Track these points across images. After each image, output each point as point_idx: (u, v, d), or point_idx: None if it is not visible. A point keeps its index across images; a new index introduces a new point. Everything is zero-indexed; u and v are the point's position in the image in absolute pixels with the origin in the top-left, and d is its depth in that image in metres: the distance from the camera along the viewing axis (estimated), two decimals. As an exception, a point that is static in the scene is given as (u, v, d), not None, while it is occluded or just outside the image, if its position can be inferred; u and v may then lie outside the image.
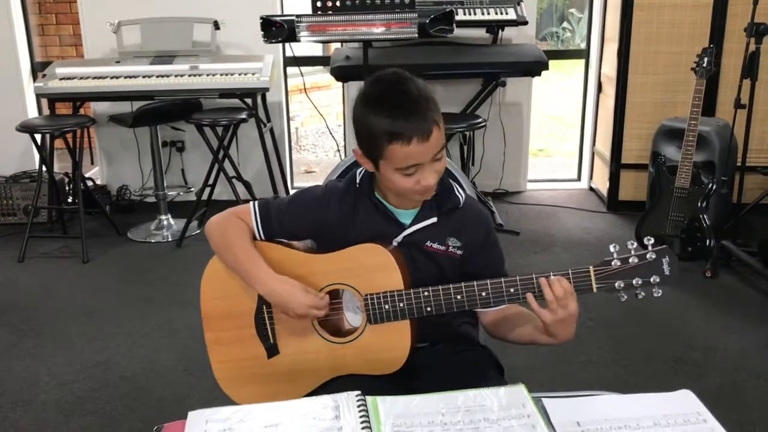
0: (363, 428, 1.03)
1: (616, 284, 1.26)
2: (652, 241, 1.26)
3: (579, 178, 5.00)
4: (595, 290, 1.28)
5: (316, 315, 1.37)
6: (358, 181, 1.46)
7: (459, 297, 1.32)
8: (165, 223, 4.23)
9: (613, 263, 1.26)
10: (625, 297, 1.27)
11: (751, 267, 3.33)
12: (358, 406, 1.08)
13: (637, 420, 1.07)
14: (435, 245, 1.43)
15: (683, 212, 3.41)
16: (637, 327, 2.95)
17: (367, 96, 1.34)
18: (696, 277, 3.37)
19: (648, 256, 1.25)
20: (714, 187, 3.40)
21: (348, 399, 1.10)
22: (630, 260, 1.26)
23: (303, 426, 1.04)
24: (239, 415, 1.07)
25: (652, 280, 1.25)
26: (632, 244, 1.26)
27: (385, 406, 1.09)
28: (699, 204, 3.38)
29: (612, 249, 1.26)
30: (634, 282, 1.26)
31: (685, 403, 1.11)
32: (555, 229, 4.12)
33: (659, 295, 1.25)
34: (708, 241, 3.37)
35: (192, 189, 4.63)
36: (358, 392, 1.11)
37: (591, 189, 4.83)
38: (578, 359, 2.71)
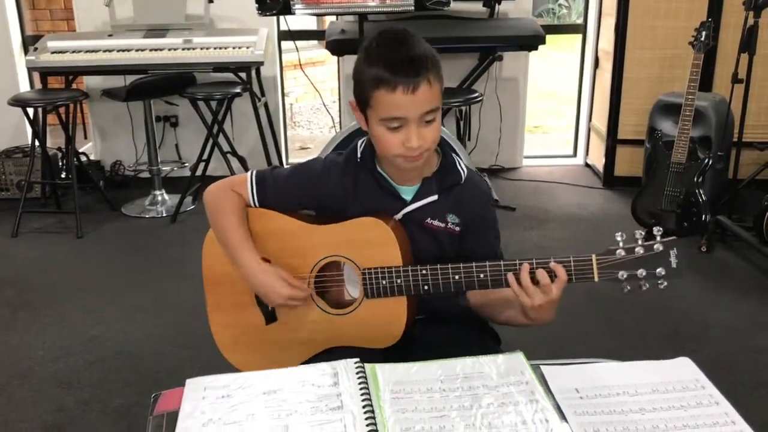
0: (362, 395, 1.02)
1: (619, 274, 1.21)
2: (662, 231, 1.20)
3: (575, 154, 4.99)
4: (596, 279, 1.23)
5: (295, 305, 1.38)
6: (359, 154, 1.44)
7: (457, 277, 1.30)
8: (159, 198, 4.21)
9: (617, 252, 1.21)
10: (629, 288, 1.22)
11: (747, 242, 3.34)
12: (357, 373, 1.07)
13: (636, 387, 1.07)
14: (435, 222, 1.41)
15: (679, 187, 3.41)
16: (631, 301, 2.96)
17: (367, 47, 1.32)
18: (691, 252, 3.38)
19: (655, 247, 1.20)
20: (710, 163, 3.39)
21: (347, 366, 1.09)
22: (636, 250, 1.21)
23: (302, 392, 1.04)
24: (238, 382, 1.07)
25: (657, 272, 1.20)
26: (640, 234, 1.21)
27: (384, 373, 1.09)
28: (695, 179, 3.37)
29: (618, 237, 1.21)
30: (638, 273, 1.21)
31: (683, 370, 1.11)
32: (551, 205, 4.12)
33: (664, 287, 1.20)
34: (704, 216, 3.37)
35: (186, 164, 4.61)
36: (357, 359, 1.10)
37: (587, 165, 4.82)
38: (573, 333, 2.72)
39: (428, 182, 1.41)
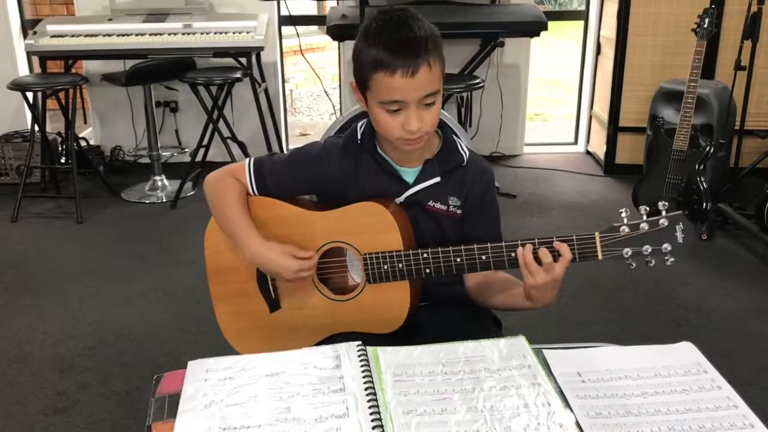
0: (364, 377, 1.02)
1: (624, 252, 1.17)
2: (667, 206, 1.16)
3: (576, 142, 4.98)
4: (600, 258, 1.19)
5: (305, 276, 1.35)
6: (359, 136, 1.42)
7: (459, 260, 1.28)
8: (159, 184, 4.20)
9: (621, 229, 1.17)
10: (634, 265, 1.19)
11: (747, 230, 3.33)
12: (359, 356, 1.07)
13: (638, 371, 1.07)
14: (437, 205, 1.40)
15: (680, 175, 3.40)
16: (633, 288, 2.96)
17: (367, 27, 1.30)
18: (692, 240, 3.37)
19: (660, 222, 1.15)
20: (711, 150, 3.38)
21: (349, 349, 1.09)
22: (640, 226, 1.16)
23: (304, 375, 1.04)
24: (240, 364, 1.07)
25: (663, 248, 1.16)
26: (645, 209, 1.17)
27: (386, 356, 1.09)
28: (696, 167, 3.36)
29: (622, 214, 1.18)
30: (643, 250, 1.17)
31: (685, 354, 1.11)
32: (552, 193, 4.12)
33: (671, 263, 1.16)
34: (705, 203, 3.36)
35: (186, 150, 4.59)
36: (359, 342, 1.10)
37: (588, 152, 4.81)
38: (574, 320, 2.72)
39: (430, 164, 1.39)
